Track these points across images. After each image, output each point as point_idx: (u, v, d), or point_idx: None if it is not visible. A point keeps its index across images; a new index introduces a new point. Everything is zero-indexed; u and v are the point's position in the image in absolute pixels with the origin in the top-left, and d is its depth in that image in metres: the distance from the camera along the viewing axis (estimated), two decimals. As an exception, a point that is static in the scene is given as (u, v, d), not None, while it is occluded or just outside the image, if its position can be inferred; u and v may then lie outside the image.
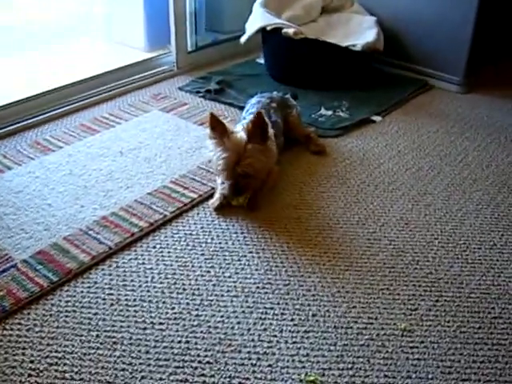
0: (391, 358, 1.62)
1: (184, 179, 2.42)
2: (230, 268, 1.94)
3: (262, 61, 3.69)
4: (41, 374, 1.55)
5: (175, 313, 1.75)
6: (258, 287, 1.86)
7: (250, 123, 2.18)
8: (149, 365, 1.58)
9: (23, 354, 1.60)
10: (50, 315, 1.74)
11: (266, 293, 1.84)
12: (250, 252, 2.02)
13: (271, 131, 2.28)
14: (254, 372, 1.57)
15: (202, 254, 2.00)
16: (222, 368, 1.57)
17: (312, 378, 1.56)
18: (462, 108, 3.22)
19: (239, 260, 1.98)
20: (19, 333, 1.67)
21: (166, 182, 2.39)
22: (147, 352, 1.62)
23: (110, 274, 1.91)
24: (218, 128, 2.20)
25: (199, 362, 1.59)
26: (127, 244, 2.04)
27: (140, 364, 1.58)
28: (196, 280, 1.88)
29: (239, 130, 2.23)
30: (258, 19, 3.39)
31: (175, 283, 1.87)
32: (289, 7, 3.61)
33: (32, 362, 1.58)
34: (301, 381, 1.55)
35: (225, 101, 3.18)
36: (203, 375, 1.56)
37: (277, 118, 2.53)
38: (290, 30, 3.22)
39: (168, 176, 2.44)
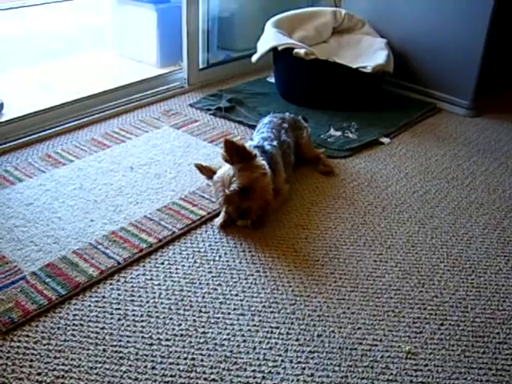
0: (395, 381, 1.62)
1: (193, 196, 2.44)
2: (236, 286, 1.96)
3: (272, 80, 3.72)
4: (48, 387, 1.57)
5: (182, 329, 1.77)
6: (264, 306, 1.87)
7: (222, 154, 2.22)
8: (155, 381, 1.59)
9: (30, 367, 1.62)
10: (58, 328, 1.75)
11: (272, 312, 1.85)
12: (257, 271, 2.03)
13: (253, 150, 2.27)
14: (258, 391, 1.59)
15: (210, 272, 2.02)
16: (227, 386, 1.59)
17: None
18: (470, 132, 3.24)
19: (246, 278, 2.00)
20: (27, 345, 1.69)
21: (176, 199, 2.41)
22: (153, 368, 1.63)
23: (118, 289, 1.92)
24: (205, 172, 2.34)
25: (205, 379, 1.60)
26: (136, 259, 2.06)
27: (146, 379, 1.59)
28: (203, 297, 1.90)
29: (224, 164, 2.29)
30: (270, 39, 3.42)
31: (182, 300, 1.88)
32: (300, 28, 3.65)
33: (39, 374, 1.59)
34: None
35: (235, 119, 3.21)
36: (208, 392, 1.57)
37: (287, 138, 2.55)
38: (302, 51, 3.25)
39: (177, 192, 2.46)
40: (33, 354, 1.66)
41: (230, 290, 1.94)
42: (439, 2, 3.38)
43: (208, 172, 2.33)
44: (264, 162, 2.28)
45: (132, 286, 1.94)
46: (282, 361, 1.67)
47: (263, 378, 1.61)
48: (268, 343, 1.73)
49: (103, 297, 1.89)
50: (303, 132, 2.73)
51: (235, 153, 2.19)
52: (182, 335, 1.74)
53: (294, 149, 2.60)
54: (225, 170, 2.24)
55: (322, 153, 2.80)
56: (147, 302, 1.87)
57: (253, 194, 2.19)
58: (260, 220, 2.27)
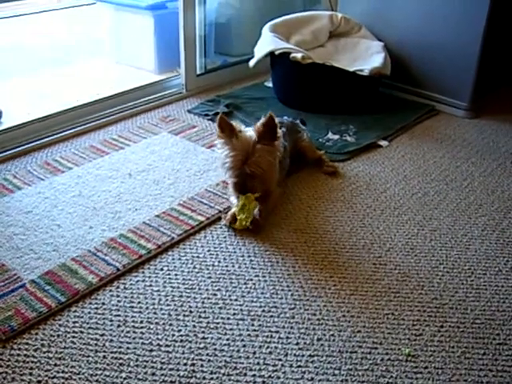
0: (395, 384, 1.63)
1: (192, 202, 2.44)
2: (236, 291, 1.96)
3: (270, 84, 3.73)
4: (48, 395, 1.57)
5: (181, 335, 1.77)
6: (263, 310, 1.87)
7: (260, 125, 2.24)
8: (155, 387, 1.59)
9: (30, 374, 1.62)
10: (58, 335, 1.75)
11: (272, 316, 1.85)
12: (257, 275, 2.04)
13: (280, 131, 2.32)
14: (258, 395, 1.59)
15: (209, 277, 2.02)
16: (228, 391, 1.59)
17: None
18: (469, 133, 3.24)
19: (245, 283, 2.00)
20: (27, 353, 1.69)
21: (174, 205, 2.42)
22: (153, 374, 1.63)
23: (118, 296, 1.92)
24: (226, 128, 2.26)
25: (205, 384, 1.61)
26: (135, 266, 2.06)
27: (146, 386, 1.59)
28: (202, 303, 1.90)
29: (248, 130, 2.30)
30: (267, 43, 3.43)
31: (182, 305, 1.88)
32: (297, 32, 3.66)
33: (39, 382, 1.59)
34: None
35: (233, 124, 3.20)
36: (208, 398, 1.57)
37: (284, 142, 2.55)
38: (298, 55, 3.25)
39: (176, 198, 2.47)
40: (33, 362, 1.66)
41: (230, 295, 1.94)
42: (436, 4, 3.39)
43: (230, 129, 2.26)
44: (281, 146, 2.35)
45: (131, 293, 1.94)
46: (282, 365, 1.67)
47: (263, 382, 1.61)
48: (268, 348, 1.73)
49: (103, 303, 1.89)
50: (302, 135, 2.75)
51: (270, 130, 2.23)
52: (181, 341, 1.74)
53: (290, 153, 2.60)
54: (248, 139, 2.24)
55: (323, 154, 2.81)
56: (147, 308, 1.87)
57: (262, 176, 2.24)
58: (258, 222, 2.27)
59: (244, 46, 3.82)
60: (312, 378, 1.63)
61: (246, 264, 2.09)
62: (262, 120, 2.25)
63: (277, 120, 2.30)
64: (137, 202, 2.44)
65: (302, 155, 2.75)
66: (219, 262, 2.10)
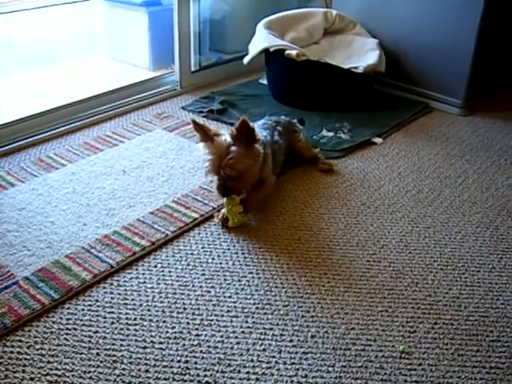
0: (389, 380, 1.62)
1: (186, 199, 2.44)
2: (230, 288, 1.95)
3: (264, 81, 3.72)
4: (41, 392, 1.56)
5: (175, 332, 1.76)
6: (257, 308, 1.87)
7: (233, 129, 2.21)
8: (148, 384, 1.59)
9: (23, 372, 1.61)
10: (51, 333, 1.75)
11: (266, 313, 1.85)
12: (250, 272, 2.03)
13: (259, 134, 2.29)
14: (252, 392, 1.59)
15: (203, 274, 2.02)
16: (221, 388, 1.59)
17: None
18: (463, 130, 3.25)
19: (239, 280, 1.99)
20: (20, 350, 1.68)
21: (168, 202, 2.41)
22: (147, 371, 1.62)
23: (111, 293, 1.92)
24: (200, 132, 2.26)
25: (198, 381, 1.59)
26: (129, 263, 2.05)
27: (140, 383, 1.58)
28: (196, 300, 1.90)
29: (224, 133, 2.28)
30: (262, 40, 3.43)
31: (176, 302, 1.88)
32: (292, 29, 3.65)
33: (32, 379, 1.59)
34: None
35: (227, 121, 3.20)
36: (202, 395, 1.57)
37: (279, 139, 2.55)
38: (293, 52, 3.25)
39: (170, 195, 2.46)
40: (26, 359, 1.65)
41: (224, 292, 1.93)
42: (431, 2, 3.39)
43: (204, 133, 2.26)
44: (261, 148, 2.29)
45: (125, 290, 1.93)
46: (276, 362, 1.67)
47: (257, 379, 1.61)
48: (262, 345, 1.73)
49: (96, 300, 1.88)
50: (299, 135, 2.76)
51: (245, 134, 2.20)
52: (175, 338, 1.74)
53: (284, 150, 2.60)
54: (223, 142, 2.22)
55: (320, 152, 2.81)
56: (140, 305, 1.87)
57: (241, 178, 2.22)
58: (248, 203, 2.30)
59: (239, 43, 3.81)
60: (306, 375, 1.63)
61: (239, 261, 2.09)
62: (235, 125, 2.23)
63: (255, 123, 2.29)
64: (131, 198, 2.44)
65: (298, 155, 2.76)
66: (213, 258, 2.10)
